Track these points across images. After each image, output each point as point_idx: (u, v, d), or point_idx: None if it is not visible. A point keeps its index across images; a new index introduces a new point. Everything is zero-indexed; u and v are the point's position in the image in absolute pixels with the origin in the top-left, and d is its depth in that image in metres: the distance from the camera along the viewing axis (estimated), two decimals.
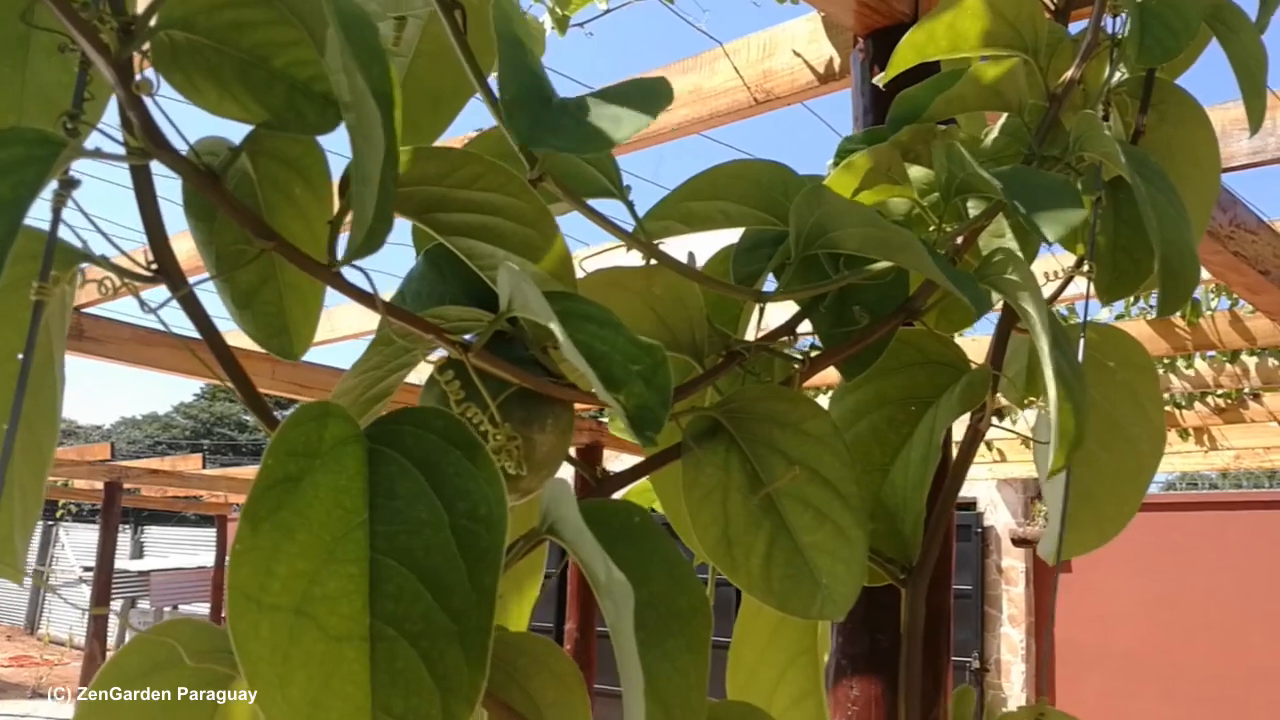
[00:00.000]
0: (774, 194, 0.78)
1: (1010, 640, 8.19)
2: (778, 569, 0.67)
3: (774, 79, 1.87)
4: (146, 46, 0.57)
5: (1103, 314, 4.70)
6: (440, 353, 0.62)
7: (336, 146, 0.78)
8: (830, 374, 0.85)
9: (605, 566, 0.48)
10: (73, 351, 3.44)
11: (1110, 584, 7.91)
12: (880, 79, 0.89)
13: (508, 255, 0.63)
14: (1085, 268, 0.84)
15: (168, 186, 0.59)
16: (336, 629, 0.46)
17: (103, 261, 0.54)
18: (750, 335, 0.80)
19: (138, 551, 19.52)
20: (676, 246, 0.72)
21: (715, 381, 0.73)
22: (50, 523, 17.45)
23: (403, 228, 0.67)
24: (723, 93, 1.96)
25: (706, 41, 2.02)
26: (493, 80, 0.62)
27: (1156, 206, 0.73)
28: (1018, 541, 8.20)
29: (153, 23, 0.56)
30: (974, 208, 0.84)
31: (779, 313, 0.80)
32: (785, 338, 0.77)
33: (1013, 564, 8.28)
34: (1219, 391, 5.47)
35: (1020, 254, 0.76)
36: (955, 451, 0.87)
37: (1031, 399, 0.86)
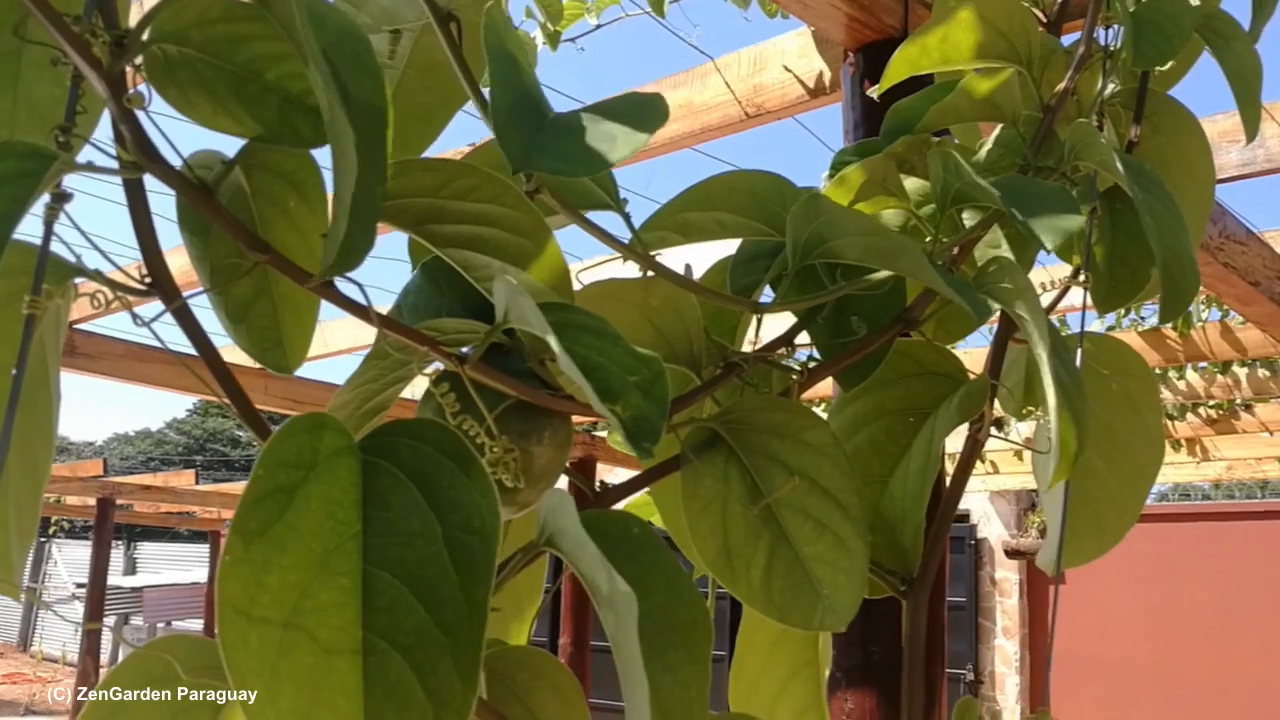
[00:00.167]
0: (770, 205, 0.78)
1: (1004, 652, 8.19)
2: (778, 580, 0.66)
3: (765, 93, 1.88)
4: (139, 60, 0.57)
5: (1094, 325, 4.71)
6: (438, 366, 0.62)
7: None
8: (824, 388, 0.85)
9: (608, 577, 0.47)
10: (65, 368, 3.42)
11: (1105, 595, 7.91)
12: (874, 92, 0.89)
13: (504, 267, 0.62)
14: (1081, 278, 0.84)
15: (162, 202, 0.59)
16: (328, 641, 0.45)
17: (96, 276, 0.53)
18: (748, 347, 0.79)
19: (131, 568, 19.45)
20: (673, 258, 0.72)
21: (713, 393, 0.73)
22: (43, 539, 17.40)
23: (400, 241, 0.67)
24: (714, 107, 1.97)
25: (698, 56, 2.03)
26: (487, 93, 0.62)
27: (1155, 214, 0.73)
28: (1011, 553, 8.20)
29: (145, 37, 0.56)
30: (970, 219, 0.84)
31: (776, 324, 0.79)
32: (783, 349, 0.77)
33: (1006, 576, 8.28)
34: (1211, 402, 5.48)
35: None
36: (951, 463, 0.87)
37: (1030, 409, 0.86)
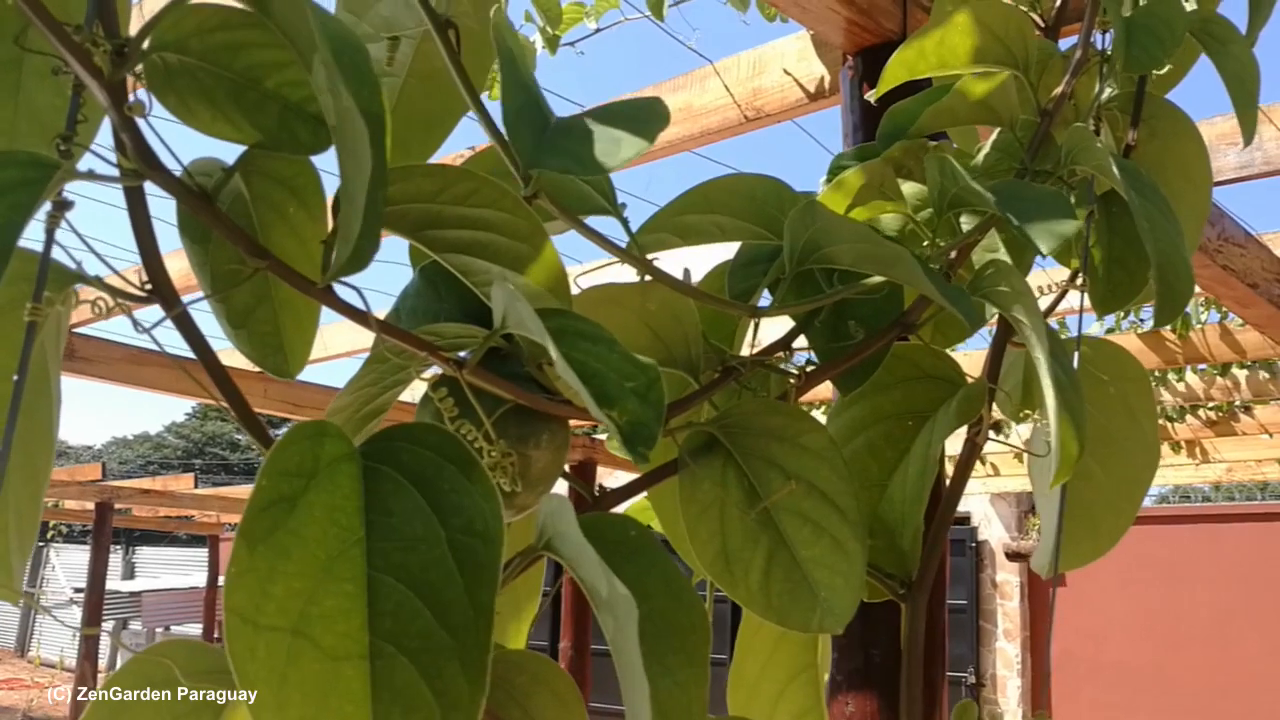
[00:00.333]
0: (768, 208, 0.78)
1: (1005, 655, 8.18)
2: (776, 584, 0.66)
3: (764, 96, 1.88)
4: (139, 69, 0.57)
5: (1093, 328, 4.71)
6: (436, 370, 0.62)
7: (331, 166, 0.78)
8: (823, 390, 0.85)
9: (607, 581, 0.47)
10: (64, 371, 3.42)
11: (1104, 597, 7.91)
12: (871, 95, 0.89)
13: (502, 272, 0.63)
14: (1079, 281, 0.84)
15: (162, 207, 0.59)
16: (334, 648, 0.45)
17: (96, 282, 0.53)
18: (746, 351, 0.80)
19: (129, 572, 19.42)
20: (672, 261, 0.73)
21: (711, 397, 0.73)
22: (41, 544, 17.38)
23: (399, 246, 0.67)
24: (713, 110, 1.97)
25: (697, 60, 2.03)
26: (486, 100, 0.62)
27: (1150, 218, 0.74)
28: (1012, 556, 8.20)
29: (145, 45, 0.56)
30: (967, 223, 0.84)
31: (774, 328, 0.80)
32: (781, 353, 0.77)
33: (1007, 578, 8.27)
34: (1210, 405, 5.48)
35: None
36: (950, 466, 0.87)
37: (1027, 412, 0.86)
